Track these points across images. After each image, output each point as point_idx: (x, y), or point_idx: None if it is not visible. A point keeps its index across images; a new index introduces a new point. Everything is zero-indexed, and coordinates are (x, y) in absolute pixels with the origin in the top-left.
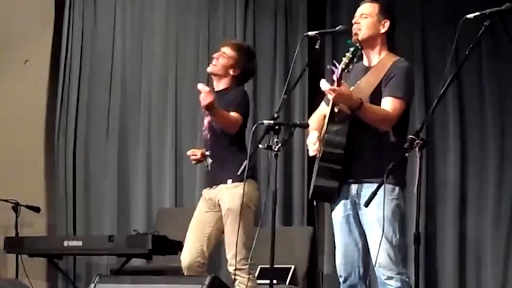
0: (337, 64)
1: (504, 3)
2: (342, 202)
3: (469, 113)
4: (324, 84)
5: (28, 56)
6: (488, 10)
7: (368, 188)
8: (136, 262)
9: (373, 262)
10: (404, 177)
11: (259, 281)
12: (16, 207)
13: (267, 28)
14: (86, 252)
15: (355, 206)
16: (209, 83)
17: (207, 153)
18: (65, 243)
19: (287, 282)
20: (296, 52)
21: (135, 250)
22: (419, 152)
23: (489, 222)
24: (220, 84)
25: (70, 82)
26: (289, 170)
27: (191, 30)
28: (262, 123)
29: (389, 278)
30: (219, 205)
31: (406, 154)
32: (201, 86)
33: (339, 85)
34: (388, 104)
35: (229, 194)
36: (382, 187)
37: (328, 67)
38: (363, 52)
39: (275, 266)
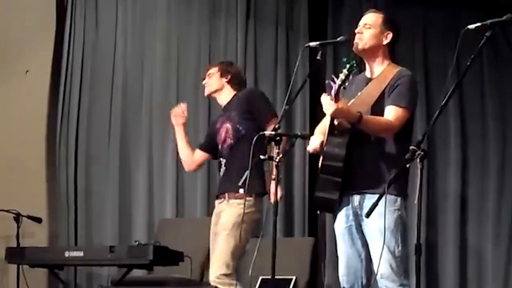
0: (335, 79)
1: (505, 13)
2: (344, 213)
3: (470, 124)
4: (323, 99)
5: (29, 65)
6: (489, 21)
7: (369, 199)
8: (137, 273)
9: (375, 273)
10: (406, 187)
11: None
12: (17, 217)
13: (269, 39)
14: (87, 263)
15: (357, 217)
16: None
17: (223, 161)
18: (66, 254)
19: None
20: (297, 62)
21: (136, 261)
22: (420, 163)
23: (490, 232)
24: (224, 97)
25: (71, 91)
26: (290, 180)
27: (193, 39)
28: (264, 134)
29: None
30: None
31: (408, 165)
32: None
33: (336, 101)
34: (391, 112)
35: (228, 211)
36: (384, 198)
37: (327, 81)
38: (365, 62)
39: (277, 277)
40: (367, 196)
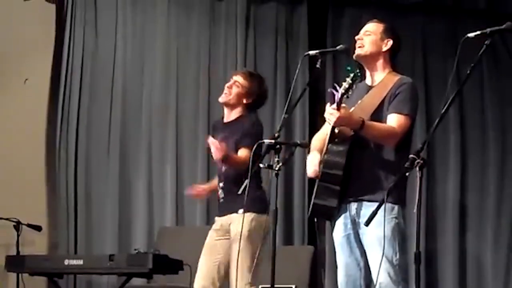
0: (337, 87)
1: (504, 21)
2: (342, 221)
3: (470, 132)
4: (327, 109)
5: (29, 73)
6: (488, 29)
7: (368, 207)
8: (136, 281)
9: (374, 282)
10: (404, 196)
11: None
12: (17, 225)
13: (268, 47)
14: (87, 271)
15: (355, 225)
16: (210, 108)
17: (221, 184)
18: (66, 262)
19: None
20: (297, 71)
21: (136, 269)
22: (419, 172)
23: (489, 240)
24: (233, 114)
25: (70, 100)
26: (290, 189)
27: (192, 47)
28: (263, 142)
29: None
30: (229, 231)
31: (407, 174)
32: (210, 141)
33: (339, 109)
34: (394, 120)
35: (240, 221)
36: (382, 206)
37: (329, 90)
38: (365, 70)
39: (276, 286)
40: (365, 204)
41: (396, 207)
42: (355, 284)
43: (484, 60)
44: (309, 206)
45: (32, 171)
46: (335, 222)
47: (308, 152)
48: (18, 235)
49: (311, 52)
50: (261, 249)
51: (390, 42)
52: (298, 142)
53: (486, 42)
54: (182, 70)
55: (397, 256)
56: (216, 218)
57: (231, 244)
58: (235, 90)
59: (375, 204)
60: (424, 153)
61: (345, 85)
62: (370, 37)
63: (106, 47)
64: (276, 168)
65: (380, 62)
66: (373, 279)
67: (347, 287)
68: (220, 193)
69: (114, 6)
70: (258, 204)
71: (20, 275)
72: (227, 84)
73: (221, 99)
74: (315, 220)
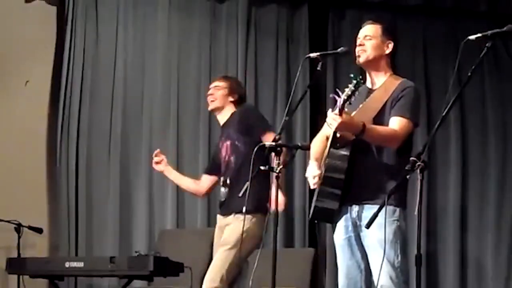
0: (339, 93)
1: (505, 23)
2: (343, 224)
3: (471, 134)
4: (329, 115)
5: (29, 76)
6: (489, 32)
7: (369, 210)
8: (137, 284)
9: (375, 284)
10: (405, 198)
11: None
12: (18, 228)
13: (269, 50)
14: (88, 274)
15: (356, 228)
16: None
17: (227, 182)
18: (67, 264)
19: None
20: (298, 73)
21: (137, 272)
22: (420, 174)
23: (490, 243)
24: (224, 116)
25: (71, 102)
26: (291, 191)
27: (193, 51)
28: (264, 145)
29: None
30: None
31: (408, 176)
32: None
33: (340, 115)
34: (396, 123)
35: (232, 226)
36: (384, 209)
37: (330, 95)
38: (366, 73)
39: None
40: (366, 206)
41: (397, 209)
42: (356, 287)
43: (485, 62)
44: (309, 209)
45: (33, 173)
46: (336, 224)
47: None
48: (19, 238)
49: (312, 55)
50: (250, 250)
51: (391, 44)
52: (299, 144)
53: (487, 45)
54: (183, 73)
55: (399, 259)
56: (218, 216)
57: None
58: (218, 93)
59: (376, 207)
60: (425, 155)
61: (347, 91)
62: (371, 41)
63: (107, 50)
64: (277, 171)
65: (381, 65)
66: (374, 281)
67: None
68: (223, 192)
69: (115, 9)
70: (258, 205)
71: (21, 277)
72: (208, 93)
73: (210, 107)
74: (316, 222)
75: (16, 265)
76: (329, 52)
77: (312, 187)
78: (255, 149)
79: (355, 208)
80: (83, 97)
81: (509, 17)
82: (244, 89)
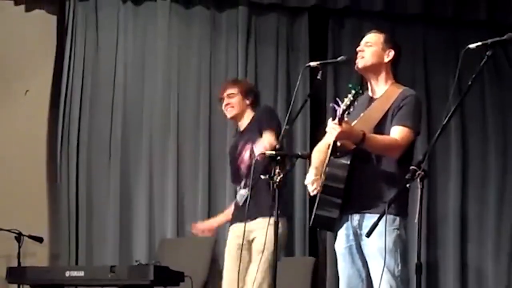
0: (339, 102)
1: (505, 32)
2: (344, 232)
3: (471, 143)
4: (329, 124)
5: (29, 84)
6: (490, 40)
7: (369, 219)
8: None
9: None
10: (406, 207)
11: None
12: (19, 237)
13: (269, 58)
14: (88, 283)
15: (357, 237)
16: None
17: (242, 191)
18: (67, 274)
19: None
20: (298, 82)
21: (137, 281)
22: (420, 183)
23: (490, 250)
24: (244, 121)
25: (71, 111)
26: (291, 200)
27: (193, 61)
28: (264, 154)
29: None
30: (251, 241)
31: (408, 185)
32: None
33: (340, 124)
34: (397, 132)
35: (264, 232)
36: (384, 218)
37: (330, 105)
38: (367, 81)
39: None
40: (367, 215)
41: (397, 218)
42: None
43: (485, 71)
44: (310, 217)
45: (33, 182)
46: (337, 233)
47: (309, 163)
48: (19, 247)
49: (312, 64)
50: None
51: (392, 53)
52: (299, 153)
53: (487, 53)
54: (183, 82)
55: (399, 268)
56: (234, 227)
57: (255, 254)
58: (234, 100)
59: (377, 216)
60: (425, 164)
61: (346, 101)
62: (371, 48)
63: (107, 58)
64: (277, 180)
65: (382, 73)
66: None
67: None
68: (240, 198)
69: (115, 17)
70: (283, 208)
71: (21, 286)
72: (224, 103)
73: (229, 115)
74: (318, 229)
75: (17, 274)
76: (329, 61)
77: (311, 193)
78: (255, 157)
79: (356, 217)
80: (83, 105)
81: (508, 25)
82: (256, 87)
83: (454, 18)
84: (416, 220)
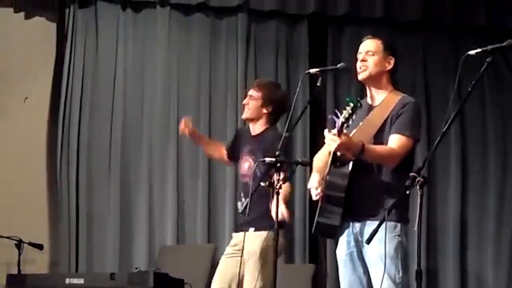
0: (338, 114)
1: (504, 37)
2: (345, 239)
3: (471, 150)
4: (326, 135)
5: (28, 92)
6: (489, 47)
7: (370, 226)
8: None
9: None
10: (406, 214)
11: None
12: (19, 244)
13: (269, 65)
14: None
15: (358, 244)
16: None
17: (242, 200)
18: (67, 281)
19: None
20: (298, 89)
21: None
22: (420, 190)
23: (490, 257)
24: (257, 127)
25: (70, 118)
26: (291, 207)
27: (193, 69)
28: (264, 161)
29: None
30: (242, 249)
31: (407, 192)
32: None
33: (339, 136)
34: (395, 141)
35: (253, 238)
36: (384, 224)
37: (329, 117)
38: (366, 89)
39: None
40: (368, 223)
41: (398, 225)
42: None
43: (485, 77)
44: (310, 224)
45: (33, 190)
46: (338, 239)
47: (310, 170)
48: (19, 254)
49: (312, 71)
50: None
51: (393, 60)
52: (299, 160)
53: (487, 60)
54: (183, 88)
55: (400, 275)
56: (233, 234)
57: (244, 263)
58: (251, 104)
59: (377, 223)
60: (425, 171)
61: (345, 114)
62: (373, 57)
63: (106, 65)
64: (277, 187)
65: (382, 81)
66: None
67: None
68: (240, 209)
69: (114, 25)
70: (270, 221)
71: None
72: (244, 102)
73: (244, 116)
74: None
75: (17, 282)
76: (328, 68)
77: (314, 198)
78: (255, 164)
79: (357, 224)
80: (83, 112)
81: (508, 31)
82: (281, 95)
83: (453, 24)
84: (415, 227)
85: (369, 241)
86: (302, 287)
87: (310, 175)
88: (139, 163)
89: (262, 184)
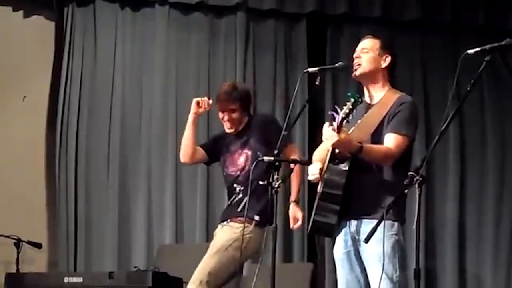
0: (338, 109)
1: (503, 37)
2: (343, 238)
3: (469, 149)
4: (325, 130)
5: (27, 92)
6: (488, 46)
7: (367, 224)
8: None
9: None
10: (404, 212)
11: None
12: (17, 243)
13: (267, 65)
14: None
15: (355, 243)
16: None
17: (237, 187)
18: (66, 280)
19: None
20: (296, 88)
21: (136, 287)
22: (418, 189)
23: (488, 258)
24: (241, 126)
25: (69, 118)
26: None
27: (191, 68)
28: (263, 160)
29: None
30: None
31: (406, 191)
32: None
33: (338, 132)
34: (391, 140)
35: (221, 232)
36: (382, 223)
37: (329, 112)
38: (364, 88)
39: None
40: (364, 221)
41: (396, 223)
42: None
43: (484, 76)
44: (308, 223)
45: (32, 189)
46: (335, 238)
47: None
48: (18, 253)
49: (310, 69)
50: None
51: (389, 58)
52: (298, 159)
53: (486, 59)
54: (181, 88)
55: (397, 273)
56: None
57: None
58: (234, 116)
59: (375, 222)
60: (423, 170)
61: (345, 109)
62: (367, 54)
63: (105, 64)
64: (276, 186)
65: (379, 79)
66: None
67: None
68: (238, 196)
69: (113, 24)
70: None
71: None
72: (225, 119)
73: (231, 131)
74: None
75: (15, 280)
76: (327, 67)
77: (309, 177)
78: (254, 163)
79: (354, 223)
80: (81, 112)
81: (507, 31)
82: (243, 90)
83: (452, 23)
84: (414, 226)
85: (367, 240)
86: (300, 286)
87: (308, 174)
88: (138, 162)
89: (261, 182)
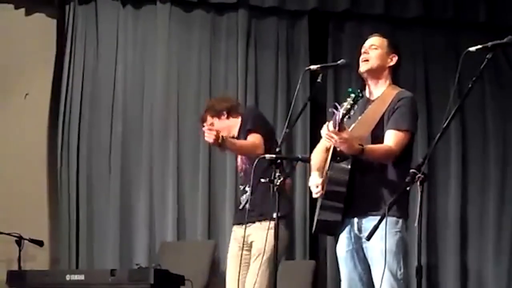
0: (338, 107)
1: (505, 34)
2: (346, 236)
3: (471, 146)
4: (325, 128)
5: (29, 89)
6: (490, 43)
7: (370, 222)
8: None
9: None
10: (407, 209)
11: None
12: (19, 240)
13: (269, 62)
14: (88, 287)
15: (358, 240)
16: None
17: (245, 188)
18: (67, 277)
19: None
20: (298, 86)
21: (137, 284)
22: (420, 186)
23: (490, 254)
24: (235, 129)
25: (71, 115)
26: (291, 204)
27: (193, 64)
28: (264, 157)
29: None
30: (250, 245)
31: (408, 188)
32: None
33: (340, 129)
34: (391, 137)
35: (263, 235)
36: (384, 220)
37: (330, 109)
38: (366, 84)
39: None
40: (368, 218)
41: (400, 220)
42: None
43: (485, 73)
44: (310, 220)
45: (33, 186)
46: (338, 236)
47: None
48: (20, 250)
49: (312, 67)
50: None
51: (395, 58)
52: (299, 156)
53: (487, 56)
54: (183, 86)
55: (401, 271)
56: (235, 227)
57: (252, 259)
58: (218, 126)
59: (378, 219)
60: (425, 167)
61: (346, 105)
62: (376, 51)
63: (107, 62)
64: (277, 183)
65: (383, 77)
66: None
67: None
68: (243, 200)
69: (115, 21)
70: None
71: None
72: (206, 133)
73: (209, 140)
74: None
75: (17, 278)
76: (329, 64)
77: (314, 196)
78: (256, 161)
79: (357, 220)
80: (83, 108)
81: (508, 28)
82: (227, 100)
83: (454, 20)
84: (416, 223)
85: (369, 237)
86: (302, 284)
87: (310, 172)
88: (140, 159)
89: (262, 180)
